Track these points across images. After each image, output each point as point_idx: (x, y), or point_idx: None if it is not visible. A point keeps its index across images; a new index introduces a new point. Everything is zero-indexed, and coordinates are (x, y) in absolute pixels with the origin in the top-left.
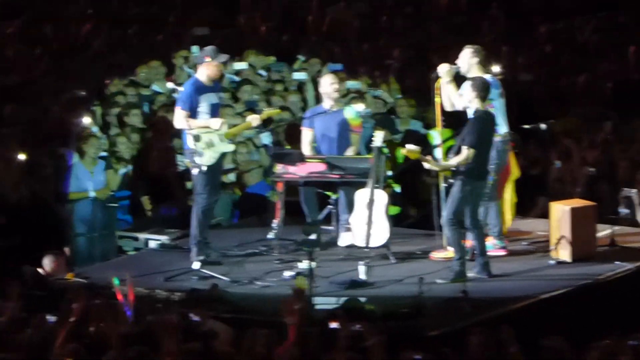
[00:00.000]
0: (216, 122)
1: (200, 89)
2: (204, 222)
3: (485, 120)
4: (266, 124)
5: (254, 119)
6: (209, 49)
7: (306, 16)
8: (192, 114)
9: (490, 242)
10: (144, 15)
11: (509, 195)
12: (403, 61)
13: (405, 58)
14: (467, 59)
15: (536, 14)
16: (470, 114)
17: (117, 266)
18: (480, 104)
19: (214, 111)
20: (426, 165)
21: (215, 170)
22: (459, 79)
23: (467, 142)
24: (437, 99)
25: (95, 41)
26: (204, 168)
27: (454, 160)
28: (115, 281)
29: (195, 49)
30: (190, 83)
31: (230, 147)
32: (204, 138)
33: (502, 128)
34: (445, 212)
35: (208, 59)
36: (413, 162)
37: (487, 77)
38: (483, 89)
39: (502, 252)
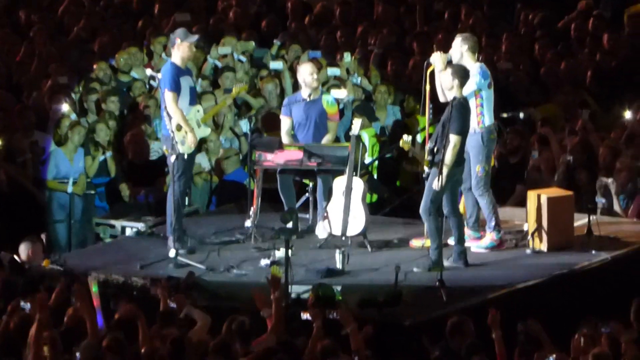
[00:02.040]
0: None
1: (179, 71)
2: (180, 209)
3: (466, 107)
4: (243, 111)
5: (227, 98)
6: (179, 30)
7: (286, 1)
8: (178, 95)
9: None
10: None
11: None
12: (383, 47)
13: (384, 44)
14: (458, 47)
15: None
16: (449, 100)
17: (94, 253)
18: (459, 91)
19: (192, 95)
20: (418, 157)
21: (191, 157)
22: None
23: (453, 129)
24: (427, 87)
25: (75, 26)
26: (186, 156)
27: (448, 154)
28: (94, 288)
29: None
30: (169, 66)
31: (207, 131)
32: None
33: (488, 119)
34: (423, 201)
35: (178, 41)
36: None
37: (477, 65)
38: (464, 76)
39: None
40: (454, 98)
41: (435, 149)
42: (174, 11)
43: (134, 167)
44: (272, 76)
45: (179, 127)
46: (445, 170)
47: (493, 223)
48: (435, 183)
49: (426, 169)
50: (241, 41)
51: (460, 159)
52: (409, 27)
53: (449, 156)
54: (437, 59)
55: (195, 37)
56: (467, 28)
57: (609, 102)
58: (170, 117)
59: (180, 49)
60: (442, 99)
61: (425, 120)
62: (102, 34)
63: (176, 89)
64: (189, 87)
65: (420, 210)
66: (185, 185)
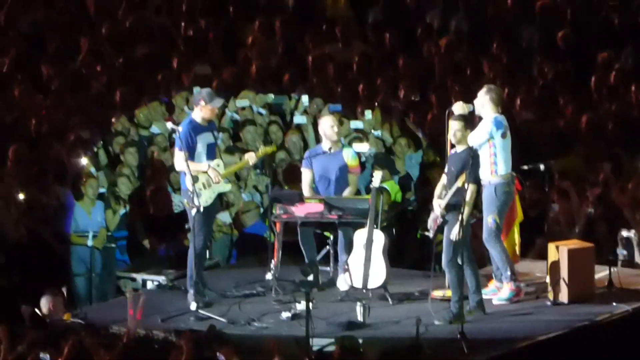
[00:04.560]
0: (212, 171)
1: (196, 128)
2: (201, 262)
3: (478, 157)
4: (264, 164)
5: (250, 157)
6: (205, 92)
7: (306, 54)
8: (190, 154)
9: (494, 286)
10: (146, 53)
11: (513, 238)
12: (405, 103)
13: (407, 100)
14: (482, 96)
15: (537, 52)
16: (459, 150)
17: (116, 307)
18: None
19: (211, 151)
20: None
21: (211, 210)
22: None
23: (472, 178)
24: (448, 136)
25: (97, 79)
26: (202, 208)
27: (466, 200)
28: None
29: (196, 89)
30: (186, 123)
31: (227, 187)
32: (202, 178)
33: (503, 168)
34: (445, 253)
35: (203, 103)
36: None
37: (493, 116)
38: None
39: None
40: (470, 147)
41: (449, 198)
42: (193, 63)
43: (156, 220)
44: (296, 129)
45: (196, 179)
46: (463, 219)
47: (509, 272)
48: (453, 234)
49: (436, 212)
50: (260, 94)
51: (476, 209)
52: (428, 79)
53: (466, 206)
54: (458, 108)
55: (221, 101)
56: (489, 80)
57: (634, 153)
58: (190, 173)
59: (204, 111)
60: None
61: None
62: (122, 87)
63: (188, 148)
64: (207, 144)
65: (443, 263)
66: (205, 238)
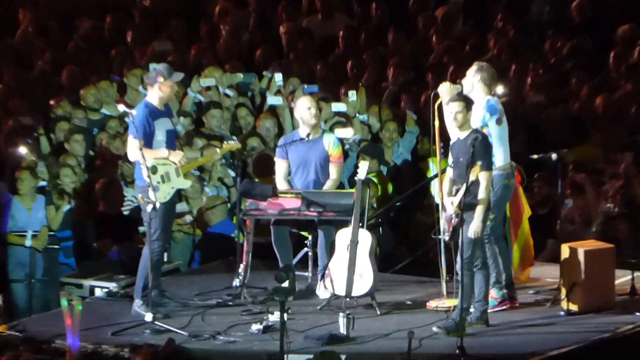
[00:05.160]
0: (176, 155)
1: (154, 113)
2: (158, 266)
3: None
4: (233, 154)
5: (214, 153)
6: (162, 66)
7: (282, 28)
8: (147, 142)
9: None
10: (95, 26)
11: (523, 238)
12: (398, 85)
13: (400, 81)
14: (471, 77)
15: (548, 25)
16: (464, 136)
17: (59, 318)
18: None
19: (170, 139)
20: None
21: (170, 207)
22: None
23: (486, 165)
24: (435, 123)
25: (39, 57)
26: (158, 204)
27: (482, 194)
28: (64, 302)
29: (152, 66)
30: (142, 107)
31: (187, 183)
32: (160, 170)
33: (500, 159)
34: (463, 255)
35: (160, 79)
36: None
37: (485, 99)
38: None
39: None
40: (477, 130)
41: (464, 191)
42: (150, 37)
43: (106, 219)
44: (269, 112)
45: (154, 170)
46: (481, 214)
47: (493, 280)
48: (472, 230)
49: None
50: (227, 73)
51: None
52: (422, 56)
53: (484, 196)
54: (444, 90)
55: (181, 75)
56: (493, 58)
57: None
58: (145, 164)
59: (162, 89)
60: (453, 136)
61: (440, 162)
62: (69, 65)
63: (144, 136)
64: (166, 131)
65: (458, 266)
66: (163, 239)
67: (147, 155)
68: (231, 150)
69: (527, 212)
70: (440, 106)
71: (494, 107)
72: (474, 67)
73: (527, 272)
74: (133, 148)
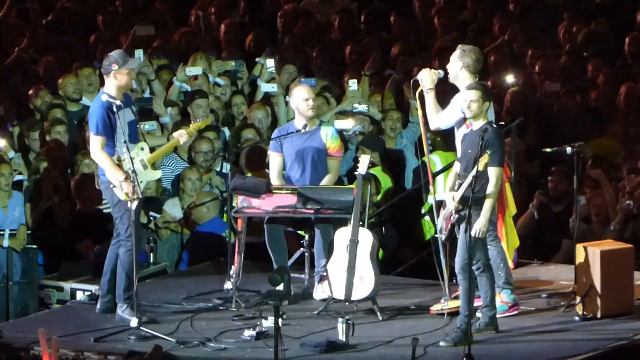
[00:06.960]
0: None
1: (112, 106)
2: (134, 268)
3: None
4: (227, 146)
5: (181, 135)
6: (115, 53)
7: (276, 10)
8: (109, 137)
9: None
10: (75, 10)
11: (508, 236)
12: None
13: (404, 68)
14: (454, 63)
15: (563, 8)
16: (476, 127)
17: (38, 323)
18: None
19: (132, 131)
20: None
21: (140, 204)
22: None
23: (497, 161)
24: (419, 112)
25: (15, 42)
26: (129, 203)
27: (492, 190)
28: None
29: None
30: (99, 101)
31: (157, 174)
32: (126, 166)
33: None
34: (462, 256)
35: (115, 67)
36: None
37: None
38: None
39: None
40: (490, 123)
41: (468, 184)
42: (132, 21)
43: (85, 217)
44: (263, 103)
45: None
46: (488, 211)
47: (502, 281)
48: (475, 229)
49: (448, 209)
50: (217, 60)
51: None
52: (427, 41)
53: (493, 191)
54: (425, 76)
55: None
56: (505, 44)
57: None
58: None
59: (118, 78)
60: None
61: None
62: (47, 52)
63: (104, 131)
64: (127, 123)
65: (457, 268)
66: (137, 237)
67: (109, 169)
68: (199, 128)
69: (511, 209)
70: (422, 94)
71: None
72: (456, 52)
73: None
74: (95, 145)
